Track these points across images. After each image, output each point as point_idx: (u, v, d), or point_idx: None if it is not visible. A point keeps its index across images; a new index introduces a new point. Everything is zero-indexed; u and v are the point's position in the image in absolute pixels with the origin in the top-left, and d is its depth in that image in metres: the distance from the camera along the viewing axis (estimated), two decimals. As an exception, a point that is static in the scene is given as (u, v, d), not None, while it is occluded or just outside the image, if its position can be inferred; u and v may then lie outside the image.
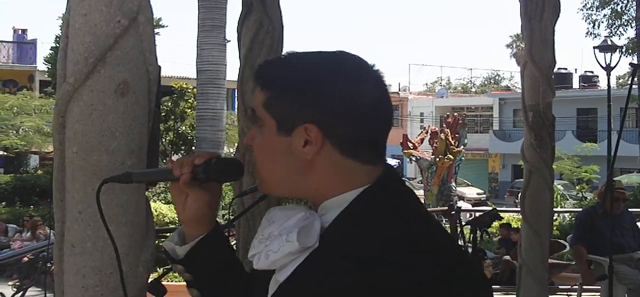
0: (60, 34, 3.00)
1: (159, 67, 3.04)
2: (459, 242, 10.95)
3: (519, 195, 7.51)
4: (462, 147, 33.80)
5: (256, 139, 1.87)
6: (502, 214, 19.94)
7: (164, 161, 38.07)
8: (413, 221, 1.75)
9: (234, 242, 5.53)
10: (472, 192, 46.64)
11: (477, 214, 11.89)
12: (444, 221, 13.59)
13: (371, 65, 1.85)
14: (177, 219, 19.85)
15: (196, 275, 2.12)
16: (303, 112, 1.77)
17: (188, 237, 2.09)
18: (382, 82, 1.85)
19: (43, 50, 51.61)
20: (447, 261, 1.67)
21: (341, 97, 1.77)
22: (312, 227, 1.75)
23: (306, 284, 1.71)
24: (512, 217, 19.25)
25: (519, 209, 7.44)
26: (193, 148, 34.20)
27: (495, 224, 18.48)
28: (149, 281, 3.18)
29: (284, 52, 1.91)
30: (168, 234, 11.98)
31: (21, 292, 9.01)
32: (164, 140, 36.56)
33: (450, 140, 32.41)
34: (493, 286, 13.72)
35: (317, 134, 1.76)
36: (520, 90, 7.20)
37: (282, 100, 1.79)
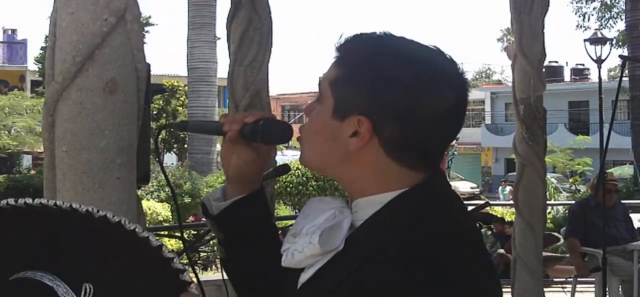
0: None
1: (148, 64, 3.03)
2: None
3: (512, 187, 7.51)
4: (454, 141, 33.86)
5: (312, 112, 1.82)
6: (495, 208, 20.06)
7: (157, 159, 38.02)
8: (442, 233, 1.64)
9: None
10: (465, 186, 46.64)
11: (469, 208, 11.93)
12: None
13: (460, 72, 1.74)
14: (170, 216, 19.84)
15: (226, 234, 2.08)
16: (362, 102, 1.68)
17: (229, 195, 2.06)
18: (463, 93, 1.73)
19: (33, 50, 51.54)
20: (468, 281, 1.59)
21: (408, 101, 1.66)
22: (339, 228, 1.69)
23: (322, 288, 1.67)
24: (505, 210, 19.28)
25: (512, 202, 7.44)
26: (185, 146, 34.19)
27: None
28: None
29: (380, 31, 1.77)
30: (161, 233, 11.97)
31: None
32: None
33: (443, 134, 32.47)
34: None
35: (368, 129, 1.67)
36: (512, 84, 7.20)
37: (348, 83, 1.71)
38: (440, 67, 1.71)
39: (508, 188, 35.48)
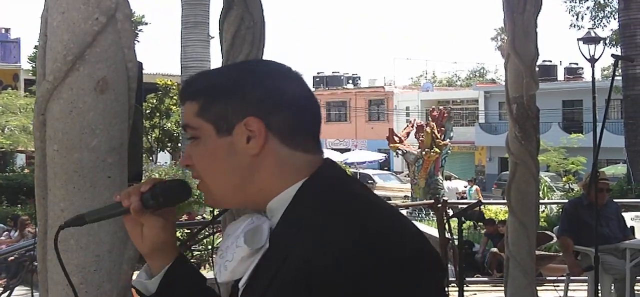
0: (40, 32, 3.00)
1: (139, 63, 3.03)
2: (447, 235, 10.99)
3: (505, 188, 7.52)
4: (448, 140, 33.88)
5: (194, 153, 1.85)
6: (489, 207, 20.11)
7: (150, 158, 38.07)
8: (354, 208, 1.69)
9: (220, 240, 5.52)
10: (459, 185, 46.70)
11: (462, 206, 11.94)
12: (431, 214, 13.59)
13: (290, 67, 1.89)
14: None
15: None
16: (237, 109, 1.78)
17: (154, 270, 2.03)
18: (304, 81, 1.89)
19: (27, 49, 51.50)
20: (393, 247, 1.60)
21: (268, 89, 1.81)
22: (260, 229, 1.75)
23: (258, 284, 1.70)
24: (499, 209, 19.29)
25: (505, 201, 7.45)
26: (179, 145, 34.18)
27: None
28: (135, 278, 3.17)
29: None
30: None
31: (8, 292, 8.98)
32: (149, 137, 36.53)
33: (436, 133, 32.49)
34: (481, 278, 13.76)
35: (260, 126, 1.76)
36: (505, 83, 7.21)
37: (214, 103, 1.81)
38: (269, 63, 1.93)
39: (474, 188, 35.45)
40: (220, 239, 5.46)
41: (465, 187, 38.03)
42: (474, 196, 32.27)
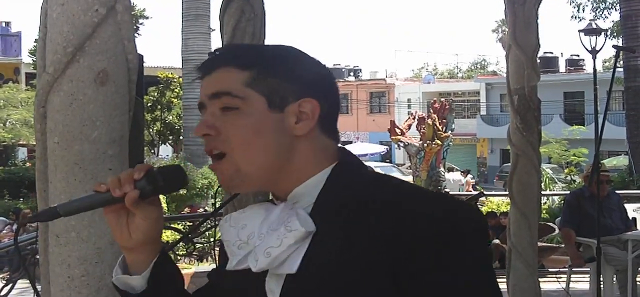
0: (41, 24, 3.00)
1: (140, 55, 3.03)
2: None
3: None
4: (449, 132, 33.83)
5: (231, 124, 1.74)
6: (490, 199, 20.08)
7: (152, 151, 38.10)
8: (406, 186, 1.76)
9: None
10: (461, 177, 46.71)
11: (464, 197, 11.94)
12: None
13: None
14: (165, 208, 19.79)
15: None
16: (293, 88, 1.76)
17: (137, 265, 1.88)
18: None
19: (28, 43, 51.51)
20: (452, 205, 1.68)
21: (320, 74, 1.82)
22: (301, 214, 1.71)
23: (331, 265, 1.65)
24: (501, 201, 19.28)
25: (507, 192, 7.44)
26: (180, 137, 34.20)
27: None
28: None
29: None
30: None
31: (10, 285, 8.98)
32: (151, 130, 36.55)
33: (438, 125, 32.40)
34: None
35: (314, 108, 1.76)
36: (506, 75, 7.21)
37: (269, 76, 1.76)
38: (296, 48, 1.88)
39: (466, 179, 35.58)
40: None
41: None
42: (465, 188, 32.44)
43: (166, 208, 19.72)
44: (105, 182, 1.80)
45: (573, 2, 36.05)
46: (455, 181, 36.45)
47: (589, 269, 9.21)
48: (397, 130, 34.51)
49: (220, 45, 5.64)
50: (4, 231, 20.35)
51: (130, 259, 1.88)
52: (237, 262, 1.76)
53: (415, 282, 1.60)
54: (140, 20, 46.51)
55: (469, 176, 37.11)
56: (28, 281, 10.52)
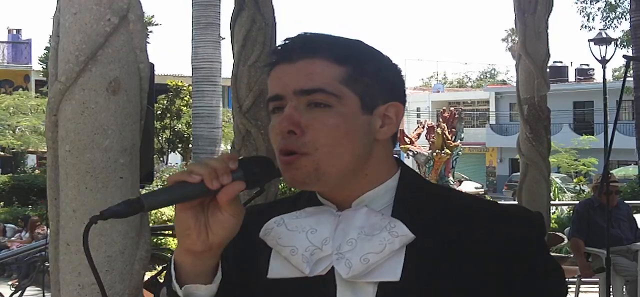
0: (53, 33, 3.01)
1: (151, 64, 3.03)
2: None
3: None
4: (459, 141, 33.79)
5: (321, 121, 1.61)
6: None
7: (161, 159, 38.13)
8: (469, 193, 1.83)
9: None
10: (470, 186, 46.61)
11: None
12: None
13: None
14: (173, 214, 19.72)
15: None
16: (382, 90, 1.68)
17: (202, 273, 1.64)
18: None
19: (38, 50, 51.63)
20: (526, 211, 1.76)
21: (396, 73, 1.76)
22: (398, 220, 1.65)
23: (434, 272, 1.61)
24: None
25: (516, 202, 7.43)
26: (190, 145, 34.24)
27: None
28: (147, 278, 3.17)
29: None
30: (166, 232, 11.90)
31: (20, 292, 9.00)
32: (160, 138, 36.59)
33: (447, 134, 32.36)
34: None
35: (399, 113, 1.70)
36: (516, 84, 7.21)
37: (363, 76, 1.65)
38: None
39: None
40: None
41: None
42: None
43: (173, 214, 19.66)
44: (195, 171, 1.55)
45: (583, 11, 35.97)
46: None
47: (598, 279, 9.18)
48: (407, 139, 34.47)
49: (231, 56, 5.66)
50: (13, 238, 20.38)
51: (197, 265, 1.64)
52: (310, 269, 1.63)
53: (518, 284, 1.63)
54: (150, 28, 46.56)
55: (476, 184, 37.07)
56: (38, 288, 10.56)
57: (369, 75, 1.67)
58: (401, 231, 1.61)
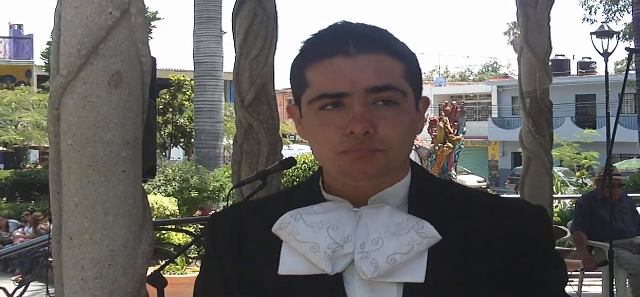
0: (54, 27, 3.00)
1: (153, 58, 3.03)
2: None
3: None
4: (461, 135, 33.76)
5: (395, 118, 1.58)
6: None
7: (163, 153, 38.12)
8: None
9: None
10: (472, 180, 46.57)
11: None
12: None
13: None
14: (177, 211, 19.75)
15: None
16: (420, 86, 1.67)
17: None
18: None
19: (40, 45, 51.59)
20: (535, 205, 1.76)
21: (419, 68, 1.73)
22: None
23: (456, 270, 1.59)
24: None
25: (519, 195, 7.43)
26: (192, 140, 34.27)
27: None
28: (150, 272, 3.17)
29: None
30: (168, 226, 11.96)
31: (23, 287, 9.00)
32: (162, 133, 36.61)
33: (449, 128, 32.33)
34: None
35: (427, 107, 1.70)
36: (518, 77, 7.21)
37: (414, 71, 1.64)
38: None
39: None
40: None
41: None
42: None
43: (177, 211, 19.70)
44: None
45: (585, 4, 35.99)
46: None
47: (601, 272, 9.18)
48: (409, 133, 34.43)
49: (232, 49, 5.66)
50: (16, 233, 20.38)
51: None
52: (333, 267, 1.58)
53: (526, 273, 1.64)
54: (152, 23, 46.57)
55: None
56: (41, 284, 10.56)
57: (417, 71, 1.66)
58: (429, 232, 1.59)
